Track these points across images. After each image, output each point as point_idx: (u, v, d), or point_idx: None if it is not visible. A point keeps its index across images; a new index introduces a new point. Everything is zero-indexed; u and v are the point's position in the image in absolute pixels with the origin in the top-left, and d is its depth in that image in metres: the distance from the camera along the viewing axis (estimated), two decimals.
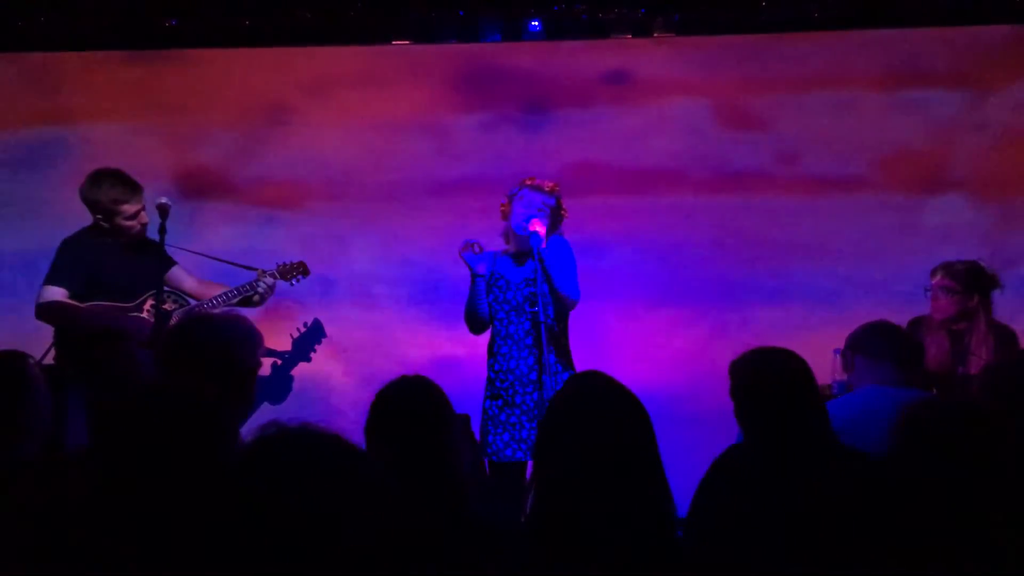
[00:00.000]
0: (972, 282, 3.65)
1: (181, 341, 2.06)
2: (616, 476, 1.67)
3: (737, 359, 2.32)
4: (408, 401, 2.04)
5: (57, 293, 3.78)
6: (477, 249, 3.68)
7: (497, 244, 3.87)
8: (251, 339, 2.14)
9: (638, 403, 1.80)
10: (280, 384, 4.73)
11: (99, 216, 3.82)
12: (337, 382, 4.74)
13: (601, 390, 1.83)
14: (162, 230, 3.75)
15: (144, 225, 3.86)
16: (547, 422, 1.81)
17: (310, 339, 4.77)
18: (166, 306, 3.90)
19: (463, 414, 2.33)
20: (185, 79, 4.78)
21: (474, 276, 3.69)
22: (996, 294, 3.80)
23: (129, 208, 3.80)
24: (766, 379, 2.24)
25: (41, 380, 2.33)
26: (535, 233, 3.53)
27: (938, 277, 3.71)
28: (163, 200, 3.78)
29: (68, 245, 3.86)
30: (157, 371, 2.09)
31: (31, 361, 2.37)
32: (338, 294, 4.82)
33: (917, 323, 3.79)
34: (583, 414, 1.75)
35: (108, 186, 3.80)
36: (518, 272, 3.73)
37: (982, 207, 4.77)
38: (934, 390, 3.63)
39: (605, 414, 1.74)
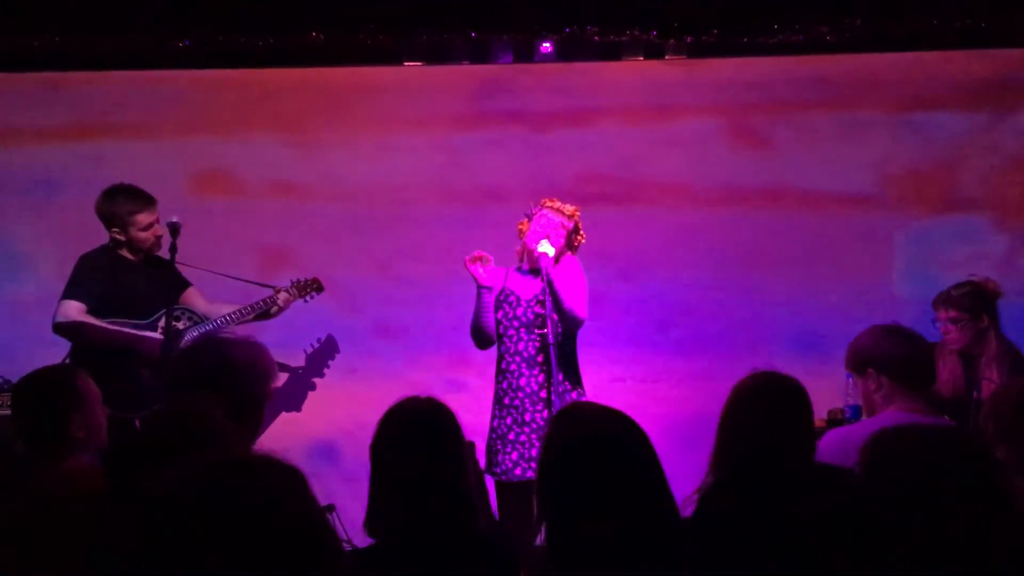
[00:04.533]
0: (977, 305, 3.61)
1: (188, 364, 2.06)
2: (622, 498, 1.66)
3: (739, 382, 2.34)
4: (417, 421, 2.03)
5: (75, 307, 3.83)
6: (484, 261, 3.67)
7: (509, 260, 3.88)
8: (260, 367, 2.12)
9: (632, 423, 1.79)
10: (291, 398, 4.75)
11: (115, 229, 3.89)
12: (344, 399, 4.74)
13: (592, 419, 1.83)
14: (173, 248, 3.80)
15: (158, 238, 3.91)
16: (545, 461, 1.79)
17: (324, 355, 4.79)
18: (179, 324, 3.96)
19: (468, 441, 2.33)
20: (199, 100, 4.84)
21: (479, 288, 3.68)
22: (1008, 318, 3.76)
23: (143, 218, 3.87)
24: (761, 398, 2.26)
25: (95, 393, 2.34)
26: (543, 254, 3.53)
27: (942, 310, 3.65)
28: (174, 219, 3.83)
29: (86, 260, 3.93)
30: (164, 392, 2.09)
31: (83, 374, 2.39)
32: (349, 309, 4.83)
33: (931, 348, 3.75)
34: (580, 446, 1.74)
35: (122, 198, 3.89)
36: (529, 289, 3.72)
37: (994, 230, 4.75)
38: (946, 416, 3.59)
39: (602, 441, 1.73)
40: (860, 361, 2.68)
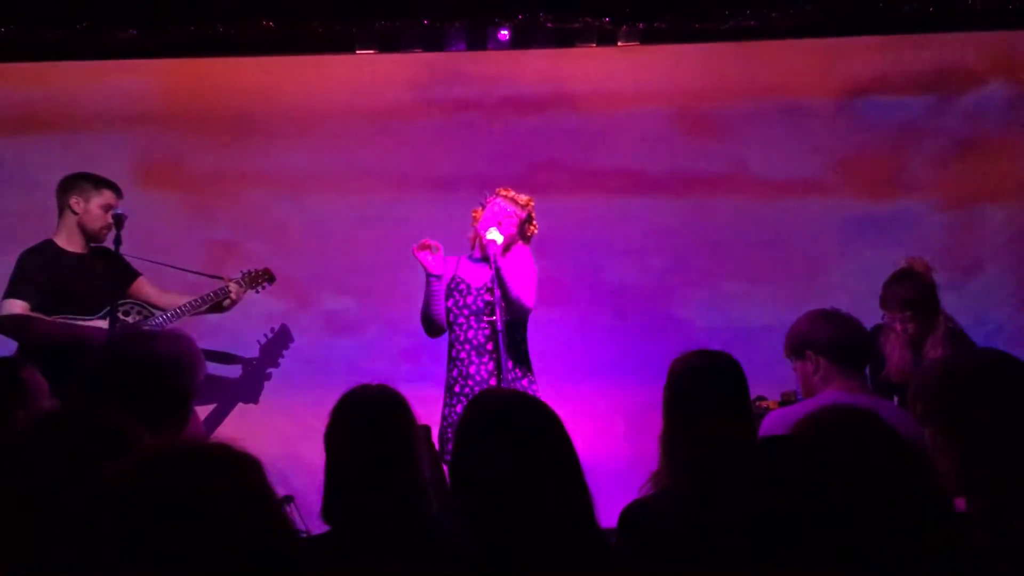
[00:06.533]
0: (923, 300, 3.62)
1: (111, 359, 2.03)
2: (532, 485, 1.66)
3: (677, 357, 2.39)
4: (369, 408, 2.03)
5: (18, 306, 3.75)
6: (433, 249, 3.67)
7: (463, 249, 3.87)
8: (187, 364, 2.09)
9: (544, 408, 1.79)
10: (248, 389, 4.72)
11: (74, 199, 3.86)
12: (300, 389, 4.71)
13: (502, 405, 1.83)
14: (117, 240, 3.76)
15: (108, 226, 3.85)
16: (456, 448, 1.79)
17: (278, 345, 4.76)
18: (129, 318, 3.90)
19: (424, 425, 2.33)
20: (147, 91, 4.77)
21: (428, 276, 3.68)
22: (955, 297, 3.81)
23: (109, 195, 3.87)
24: (700, 375, 2.31)
25: (41, 386, 2.30)
26: (491, 241, 3.54)
27: (894, 311, 3.61)
28: (118, 210, 3.79)
29: (28, 256, 3.85)
30: (83, 387, 2.05)
31: (28, 367, 2.35)
32: (302, 301, 4.80)
33: (878, 330, 3.78)
34: (490, 432, 1.74)
35: (81, 179, 3.88)
36: (479, 277, 3.73)
37: (940, 212, 4.80)
38: (895, 398, 3.62)
39: (511, 426, 1.73)
40: (798, 344, 2.72)
